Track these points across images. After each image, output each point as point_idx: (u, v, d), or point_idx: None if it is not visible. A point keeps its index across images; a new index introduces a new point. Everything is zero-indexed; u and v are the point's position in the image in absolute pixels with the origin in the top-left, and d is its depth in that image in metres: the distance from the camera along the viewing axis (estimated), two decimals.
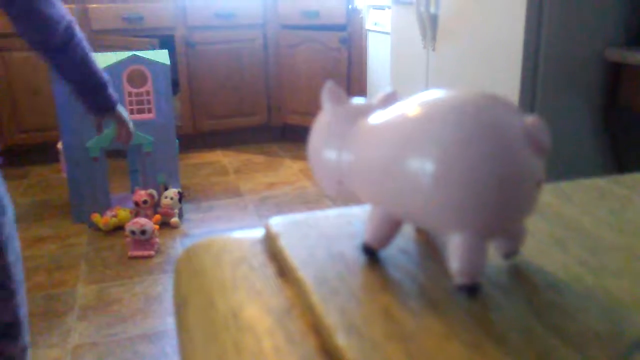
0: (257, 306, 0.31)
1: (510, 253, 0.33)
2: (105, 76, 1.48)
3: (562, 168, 1.92)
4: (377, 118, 0.33)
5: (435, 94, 0.31)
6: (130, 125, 1.65)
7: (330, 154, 0.35)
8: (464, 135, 0.28)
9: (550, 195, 0.43)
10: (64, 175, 2.76)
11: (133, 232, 2.39)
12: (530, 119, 0.29)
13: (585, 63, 1.90)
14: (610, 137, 1.99)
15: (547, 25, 1.83)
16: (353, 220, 0.40)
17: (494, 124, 0.29)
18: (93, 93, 1.48)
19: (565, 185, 0.45)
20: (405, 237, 0.37)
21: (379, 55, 3.25)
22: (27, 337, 1.21)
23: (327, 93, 0.36)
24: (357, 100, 0.36)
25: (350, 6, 3.53)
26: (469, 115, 0.29)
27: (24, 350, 1.19)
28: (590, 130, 1.98)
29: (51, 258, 2.44)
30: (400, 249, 0.36)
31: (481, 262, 0.30)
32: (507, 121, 0.29)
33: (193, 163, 3.60)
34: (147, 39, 3.23)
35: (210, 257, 0.37)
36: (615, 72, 1.91)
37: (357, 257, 0.35)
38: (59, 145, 2.75)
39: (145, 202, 2.61)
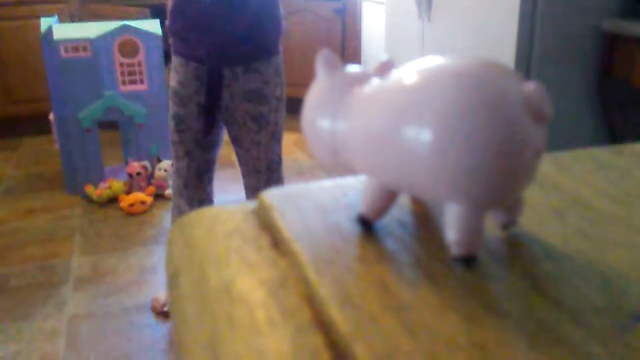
0: (250, 278, 0.31)
1: (508, 224, 0.33)
2: None
3: (556, 137, 1.92)
4: (372, 86, 0.33)
5: (433, 61, 0.30)
6: None
7: (325, 124, 0.34)
8: (462, 103, 0.27)
9: (548, 165, 0.43)
10: (57, 146, 2.74)
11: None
12: (531, 86, 0.28)
13: (581, 34, 1.89)
14: (604, 108, 1.99)
15: None
16: (348, 191, 0.39)
17: (492, 91, 0.28)
18: None
19: (564, 156, 0.45)
20: (402, 208, 0.37)
21: (374, 26, 3.21)
22: None
23: (322, 60, 0.35)
24: (352, 68, 0.35)
25: None
26: (467, 83, 0.28)
27: None
28: (584, 100, 1.97)
29: (45, 230, 2.43)
30: (397, 220, 0.35)
31: (478, 233, 0.29)
32: (507, 89, 0.28)
33: None
34: (138, 8, 3.19)
35: (202, 229, 0.37)
36: (610, 44, 1.89)
37: (352, 229, 0.34)
38: (51, 117, 2.73)
39: (138, 173, 2.60)
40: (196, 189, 1.77)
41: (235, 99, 1.65)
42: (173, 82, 1.69)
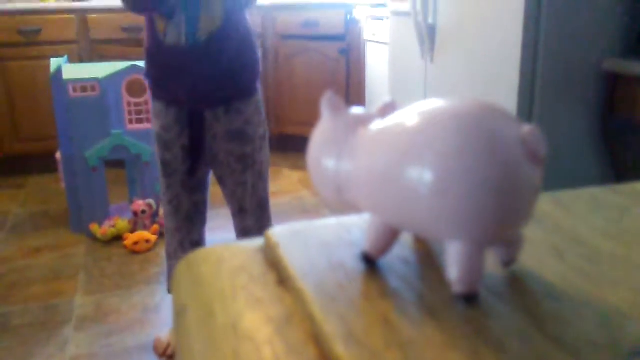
0: (256, 315, 0.31)
1: (509, 261, 0.33)
2: None
3: (560, 177, 1.93)
4: (376, 127, 0.34)
5: (434, 104, 0.31)
6: None
7: (330, 163, 0.35)
8: (462, 145, 0.29)
9: (548, 204, 0.44)
10: (62, 185, 2.76)
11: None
12: (527, 128, 0.29)
13: (583, 73, 1.91)
14: (608, 145, 2.00)
15: (545, 36, 1.84)
16: (352, 229, 0.40)
17: (490, 133, 0.29)
18: None
19: (563, 195, 0.45)
20: (404, 245, 0.37)
21: (378, 66, 3.26)
22: None
23: (327, 102, 0.36)
24: (356, 110, 0.36)
25: (349, 17, 3.55)
26: (467, 125, 0.29)
27: None
28: (587, 139, 1.98)
29: (49, 268, 2.43)
30: (399, 258, 0.36)
31: (479, 271, 0.30)
32: (504, 130, 0.29)
33: None
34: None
35: (209, 266, 0.37)
36: (613, 82, 1.92)
37: (356, 266, 0.35)
38: (58, 155, 2.75)
39: (143, 212, 2.61)
40: (188, 232, 1.77)
41: (217, 140, 1.65)
42: (156, 127, 1.68)
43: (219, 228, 2.73)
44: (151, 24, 1.58)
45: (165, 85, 1.62)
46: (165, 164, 1.69)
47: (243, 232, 1.78)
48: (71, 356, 1.84)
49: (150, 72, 1.66)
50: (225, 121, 1.63)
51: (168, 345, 1.83)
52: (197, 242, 1.80)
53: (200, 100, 1.61)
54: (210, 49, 1.55)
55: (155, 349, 1.86)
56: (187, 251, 1.79)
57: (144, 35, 1.65)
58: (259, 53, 1.69)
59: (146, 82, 1.72)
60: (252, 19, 1.67)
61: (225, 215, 2.88)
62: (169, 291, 1.92)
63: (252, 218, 1.77)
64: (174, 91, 1.61)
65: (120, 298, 2.18)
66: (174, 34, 1.54)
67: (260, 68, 1.70)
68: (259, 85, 1.71)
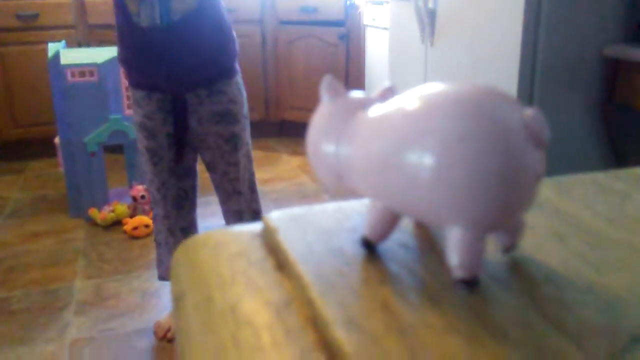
0: (255, 300, 0.31)
1: (510, 247, 0.33)
2: None
3: (560, 163, 1.92)
4: (375, 112, 0.33)
5: (435, 88, 0.31)
6: None
7: (329, 148, 0.35)
8: (463, 129, 0.28)
9: (549, 189, 0.43)
10: (61, 170, 2.76)
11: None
12: (530, 112, 0.29)
13: (583, 59, 1.90)
14: (608, 132, 1.99)
15: (546, 21, 1.83)
16: (352, 214, 0.40)
17: (493, 117, 0.28)
18: None
19: (565, 180, 0.45)
20: (404, 231, 0.37)
21: (378, 51, 3.25)
22: None
23: (326, 86, 0.36)
24: (356, 94, 0.36)
25: (348, 2, 3.53)
26: (468, 109, 0.29)
27: None
28: (587, 125, 1.98)
29: (48, 253, 2.43)
30: (399, 243, 0.35)
31: (480, 256, 0.30)
32: (507, 114, 0.29)
33: None
34: None
35: (208, 251, 0.37)
36: (613, 69, 1.91)
37: (356, 251, 0.35)
38: (56, 140, 2.75)
39: (142, 197, 2.61)
40: (177, 218, 1.76)
41: (203, 123, 1.64)
42: (138, 116, 1.65)
43: (217, 213, 2.73)
44: (122, 7, 1.54)
45: (144, 70, 1.59)
46: (151, 153, 1.67)
47: (237, 214, 1.77)
48: (71, 340, 1.85)
49: (127, 57, 1.62)
50: (209, 103, 1.62)
51: (168, 329, 1.84)
52: (188, 228, 1.80)
53: (180, 82, 1.58)
54: (187, 28, 1.53)
55: (156, 332, 1.86)
56: (178, 238, 1.79)
57: (115, 21, 1.61)
58: (234, 34, 1.68)
59: (123, 69, 1.67)
60: (248, 4, 1.66)
61: (215, 202, 2.89)
62: (160, 278, 1.92)
63: (245, 200, 1.76)
64: (153, 75, 1.58)
65: (120, 282, 2.18)
66: (148, 14, 1.51)
67: (238, 49, 1.70)
68: (238, 67, 1.70)
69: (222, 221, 1.86)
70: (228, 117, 1.65)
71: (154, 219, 1.82)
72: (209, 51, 1.59)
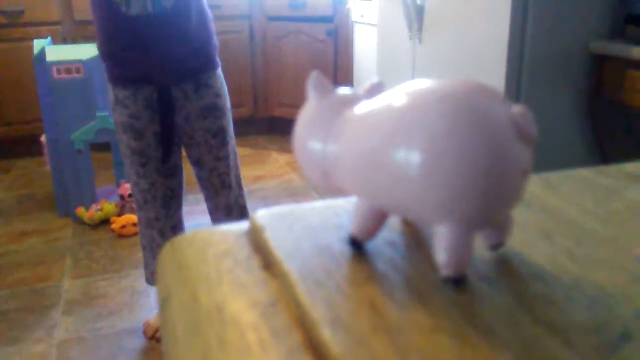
0: (241, 300, 0.31)
1: (497, 244, 0.33)
2: None
3: (547, 158, 1.93)
4: (362, 108, 0.33)
5: (422, 84, 0.31)
6: None
7: (316, 145, 0.34)
8: (450, 125, 0.28)
9: (536, 186, 0.43)
10: (48, 168, 2.73)
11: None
12: (517, 108, 0.29)
13: (570, 55, 1.91)
14: (594, 126, 2.00)
15: (532, 17, 1.84)
16: (339, 212, 0.39)
17: (480, 113, 0.28)
18: None
19: (551, 176, 0.45)
20: (392, 229, 0.37)
21: (366, 47, 3.24)
22: None
23: (313, 83, 0.35)
24: (343, 90, 0.36)
25: None
26: (455, 105, 0.28)
27: None
28: (574, 120, 1.99)
29: (36, 252, 2.41)
30: (387, 241, 0.35)
31: (467, 254, 0.30)
32: (494, 110, 0.29)
33: None
34: None
35: (194, 251, 0.37)
36: (599, 64, 1.92)
37: (343, 250, 0.34)
38: (43, 138, 2.72)
39: (130, 195, 2.59)
40: (166, 218, 1.74)
41: (191, 119, 1.63)
42: (122, 117, 1.60)
43: (205, 212, 2.71)
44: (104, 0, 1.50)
45: (133, 62, 1.55)
46: (138, 154, 1.64)
47: (226, 209, 1.76)
48: (59, 340, 1.84)
49: (112, 50, 1.57)
50: (196, 98, 1.62)
51: (157, 328, 1.83)
52: (177, 226, 1.79)
53: (171, 73, 1.57)
54: (178, 16, 1.52)
55: (145, 332, 1.85)
56: (168, 237, 1.76)
57: (94, 14, 1.56)
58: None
59: (105, 65, 1.61)
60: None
61: (201, 200, 2.87)
62: (147, 282, 1.91)
63: (234, 195, 1.76)
64: (143, 66, 1.54)
65: (108, 281, 2.17)
66: (139, 2, 1.48)
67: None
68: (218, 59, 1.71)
69: (206, 219, 1.86)
70: (215, 111, 1.65)
71: (139, 223, 1.79)
72: (197, 40, 1.59)
